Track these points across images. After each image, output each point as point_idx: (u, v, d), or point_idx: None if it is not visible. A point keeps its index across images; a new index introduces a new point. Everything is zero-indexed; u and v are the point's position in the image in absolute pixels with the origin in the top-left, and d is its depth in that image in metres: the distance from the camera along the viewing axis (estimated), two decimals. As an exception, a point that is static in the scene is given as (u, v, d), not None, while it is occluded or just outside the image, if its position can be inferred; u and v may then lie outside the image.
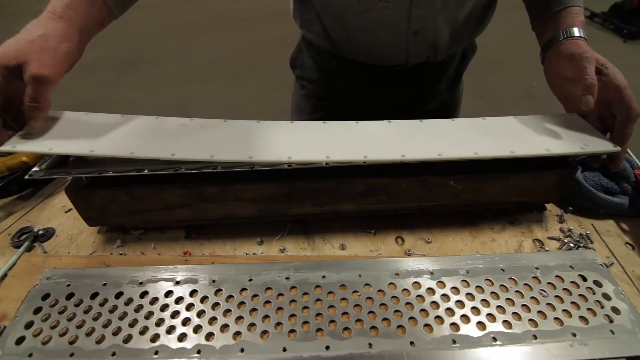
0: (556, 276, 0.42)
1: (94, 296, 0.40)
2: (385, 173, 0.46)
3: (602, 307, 0.39)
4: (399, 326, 0.37)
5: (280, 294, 0.40)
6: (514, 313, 0.38)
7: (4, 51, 0.40)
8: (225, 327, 0.38)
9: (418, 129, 0.48)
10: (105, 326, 0.38)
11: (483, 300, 0.40)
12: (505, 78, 2.49)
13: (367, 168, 0.45)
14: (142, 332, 0.37)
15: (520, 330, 0.37)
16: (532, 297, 0.40)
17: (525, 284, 0.41)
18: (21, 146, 0.41)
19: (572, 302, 0.39)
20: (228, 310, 0.39)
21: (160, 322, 0.38)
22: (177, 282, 0.42)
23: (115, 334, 0.37)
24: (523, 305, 0.39)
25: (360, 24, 0.58)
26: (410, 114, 0.62)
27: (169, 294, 0.41)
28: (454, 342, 0.36)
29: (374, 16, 0.56)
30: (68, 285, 0.42)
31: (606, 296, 0.40)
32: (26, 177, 0.43)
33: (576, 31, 0.50)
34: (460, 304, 0.39)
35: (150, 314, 0.39)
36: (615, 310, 0.39)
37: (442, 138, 0.47)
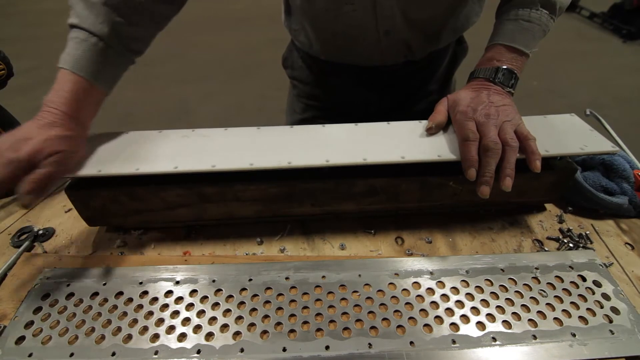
0: (556, 276, 0.42)
1: (93, 296, 0.41)
2: (385, 173, 0.46)
3: (602, 307, 0.39)
4: (399, 326, 0.38)
5: (280, 294, 0.41)
6: (514, 313, 0.39)
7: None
8: (225, 327, 0.38)
9: (417, 130, 0.49)
10: (105, 326, 0.38)
11: (483, 300, 0.40)
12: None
13: (367, 169, 0.45)
14: (142, 331, 0.37)
15: (520, 330, 0.37)
16: (531, 297, 0.40)
17: (524, 284, 0.41)
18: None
19: (572, 302, 0.40)
20: (228, 310, 0.39)
21: (160, 322, 0.38)
22: (177, 282, 0.42)
23: (115, 333, 0.37)
24: (523, 305, 0.39)
25: (334, 28, 0.60)
26: (401, 114, 0.62)
27: (168, 293, 0.41)
28: (454, 342, 0.36)
29: (344, 20, 0.57)
30: (68, 285, 0.42)
31: (605, 296, 0.40)
32: None
33: (480, 72, 0.50)
34: (459, 304, 0.39)
35: (150, 314, 0.39)
36: (615, 310, 0.39)
37: (441, 139, 0.47)
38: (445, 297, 0.40)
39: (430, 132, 0.47)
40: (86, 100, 0.45)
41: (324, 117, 0.75)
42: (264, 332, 0.37)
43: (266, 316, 0.38)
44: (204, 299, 0.40)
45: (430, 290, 0.41)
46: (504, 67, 0.48)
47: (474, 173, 0.41)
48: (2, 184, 0.38)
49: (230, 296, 0.40)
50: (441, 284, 0.41)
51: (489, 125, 0.43)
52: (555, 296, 0.40)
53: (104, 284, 0.42)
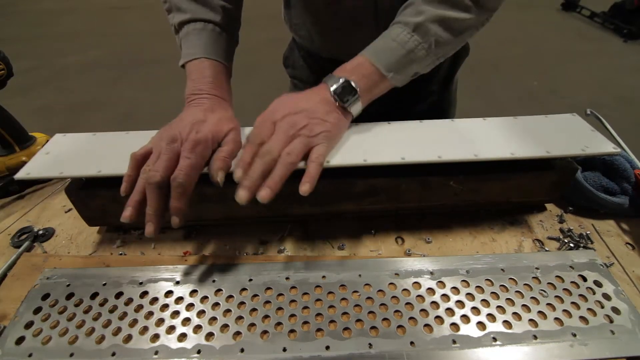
0: (556, 276, 0.42)
1: (94, 296, 0.41)
2: (385, 173, 0.46)
3: (602, 307, 0.39)
4: (399, 326, 0.37)
5: (280, 294, 0.40)
6: (514, 313, 0.38)
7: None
8: (225, 327, 0.38)
9: (418, 130, 0.48)
10: (105, 326, 0.38)
11: (483, 300, 0.40)
12: (505, 78, 2.49)
13: (367, 168, 0.45)
14: (142, 332, 0.37)
15: (521, 330, 0.37)
16: (532, 297, 0.40)
17: (525, 284, 0.41)
18: (35, 173, 0.44)
19: (572, 302, 0.39)
20: (228, 310, 0.39)
21: (160, 322, 0.38)
22: (177, 282, 0.42)
23: (115, 334, 0.37)
24: (523, 305, 0.39)
25: (334, 24, 0.59)
26: (400, 115, 0.61)
27: (169, 294, 0.41)
28: (454, 342, 0.36)
29: (344, 14, 0.56)
30: (68, 285, 0.42)
31: (606, 296, 0.40)
32: (16, 176, 0.43)
33: (326, 78, 0.45)
34: (460, 304, 0.39)
35: (150, 314, 0.39)
36: (616, 310, 0.39)
37: (441, 139, 0.46)
38: (445, 297, 0.40)
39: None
40: (225, 81, 0.48)
41: None
42: (264, 332, 0.37)
43: (266, 316, 0.38)
44: (204, 299, 0.40)
45: (431, 290, 0.41)
46: (348, 79, 0.43)
47: (240, 174, 0.37)
48: (198, 165, 0.39)
49: (231, 296, 0.40)
50: (441, 284, 0.41)
51: (281, 133, 0.39)
52: (556, 296, 0.40)
53: (104, 284, 0.42)
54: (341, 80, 0.43)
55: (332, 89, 0.43)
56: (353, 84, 0.43)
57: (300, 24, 0.66)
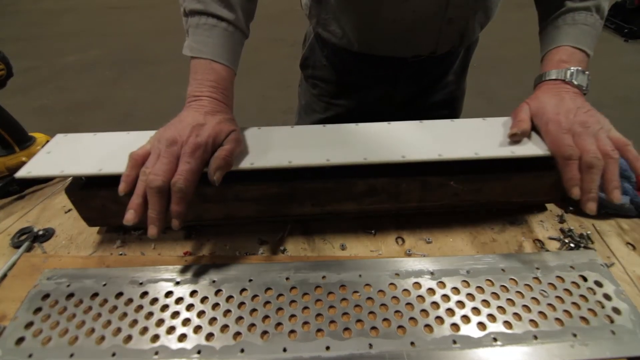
0: (557, 276, 0.42)
1: (94, 296, 0.41)
2: (385, 173, 0.46)
3: (603, 307, 0.39)
4: (400, 326, 0.37)
5: (280, 295, 0.40)
6: (515, 313, 0.38)
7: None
8: (225, 327, 0.38)
9: (418, 130, 0.48)
10: (105, 326, 0.38)
11: (483, 300, 0.40)
12: (505, 78, 2.49)
13: (368, 168, 0.45)
14: (142, 332, 0.37)
15: (521, 330, 0.37)
16: (532, 298, 0.40)
17: (525, 284, 0.41)
18: (36, 171, 0.44)
19: (573, 303, 0.39)
20: (228, 311, 0.39)
21: (160, 323, 0.38)
22: (177, 283, 0.42)
23: (115, 334, 0.37)
24: (524, 305, 0.39)
25: (395, 15, 0.57)
26: (419, 106, 0.60)
27: (169, 294, 0.41)
28: (455, 342, 0.36)
29: (411, 6, 0.55)
30: (68, 286, 0.42)
31: (607, 296, 0.40)
32: (17, 175, 0.43)
33: (553, 74, 0.49)
34: (460, 304, 0.39)
35: (150, 315, 0.39)
36: (616, 310, 0.39)
37: (442, 138, 0.46)
38: (446, 297, 0.40)
39: (515, 139, 0.45)
40: (229, 85, 0.48)
41: (346, 115, 0.74)
42: (264, 332, 0.37)
43: (266, 317, 0.38)
44: (204, 299, 0.40)
45: (431, 291, 0.41)
46: (578, 68, 0.48)
47: (579, 191, 0.40)
48: (198, 170, 0.40)
49: (231, 297, 0.40)
50: (442, 284, 0.41)
51: (587, 137, 0.41)
52: (557, 296, 0.40)
53: (104, 285, 0.42)
54: (573, 71, 0.48)
55: (571, 81, 0.47)
56: (582, 70, 0.48)
57: (330, 18, 0.63)
